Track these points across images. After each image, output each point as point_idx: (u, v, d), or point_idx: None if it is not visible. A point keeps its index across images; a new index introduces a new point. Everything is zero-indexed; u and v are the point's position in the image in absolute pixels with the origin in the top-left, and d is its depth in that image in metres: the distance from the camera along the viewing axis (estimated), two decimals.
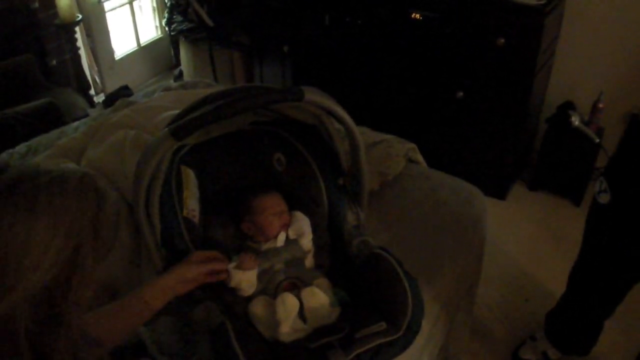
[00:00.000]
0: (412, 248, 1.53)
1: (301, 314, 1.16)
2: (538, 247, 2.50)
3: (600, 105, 2.55)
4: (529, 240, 2.55)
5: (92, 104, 3.33)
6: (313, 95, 1.18)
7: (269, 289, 1.22)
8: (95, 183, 0.69)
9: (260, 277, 1.23)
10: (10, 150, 2.01)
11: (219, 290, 1.21)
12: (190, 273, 1.12)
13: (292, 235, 1.32)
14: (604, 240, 1.60)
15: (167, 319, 1.27)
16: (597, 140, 2.53)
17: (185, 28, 3.40)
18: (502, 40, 2.40)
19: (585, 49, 2.65)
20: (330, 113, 1.26)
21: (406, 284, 1.14)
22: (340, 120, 1.26)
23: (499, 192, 2.78)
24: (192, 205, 1.28)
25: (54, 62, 3.18)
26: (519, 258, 2.44)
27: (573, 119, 2.55)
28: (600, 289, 1.70)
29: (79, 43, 3.25)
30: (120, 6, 3.72)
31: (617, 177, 1.50)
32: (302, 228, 1.32)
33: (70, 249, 0.64)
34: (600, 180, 1.54)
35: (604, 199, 1.51)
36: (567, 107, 2.62)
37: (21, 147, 2.02)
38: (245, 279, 1.20)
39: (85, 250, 0.66)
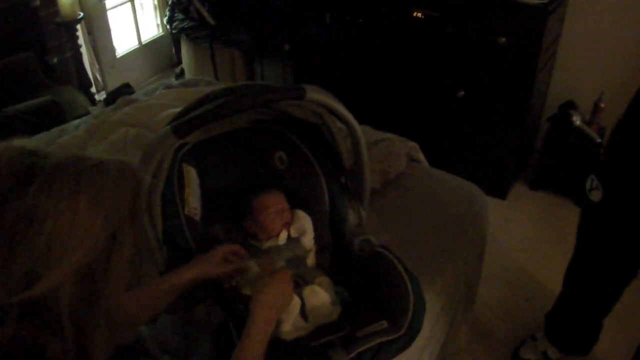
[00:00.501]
0: (413, 247, 1.53)
1: (302, 313, 1.16)
2: (539, 247, 2.50)
3: (602, 105, 2.55)
4: (529, 240, 2.55)
5: (93, 102, 3.34)
6: (315, 94, 1.18)
7: None
8: (132, 169, 0.72)
9: None
10: None
11: (221, 289, 1.21)
12: (212, 273, 1.14)
13: (293, 233, 1.32)
14: (597, 238, 1.60)
15: (168, 318, 1.27)
16: (599, 140, 2.53)
17: (186, 26, 3.40)
18: (504, 40, 2.39)
19: (587, 49, 2.65)
20: (332, 112, 1.26)
21: (408, 283, 1.14)
22: (342, 118, 1.25)
23: (500, 191, 2.78)
24: (193, 203, 1.28)
25: (55, 60, 3.18)
26: (520, 257, 2.44)
27: (574, 118, 2.55)
28: (596, 287, 1.70)
29: (80, 41, 3.24)
30: (122, 4, 3.71)
31: (610, 174, 1.50)
32: (304, 226, 1.32)
33: (110, 231, 0.67)
34: (590, 178, 1.53)
35: (596, 196, 1.51)
36: (569, 106, 2.62)
37: None
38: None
39: (123, 233, 0.68)
